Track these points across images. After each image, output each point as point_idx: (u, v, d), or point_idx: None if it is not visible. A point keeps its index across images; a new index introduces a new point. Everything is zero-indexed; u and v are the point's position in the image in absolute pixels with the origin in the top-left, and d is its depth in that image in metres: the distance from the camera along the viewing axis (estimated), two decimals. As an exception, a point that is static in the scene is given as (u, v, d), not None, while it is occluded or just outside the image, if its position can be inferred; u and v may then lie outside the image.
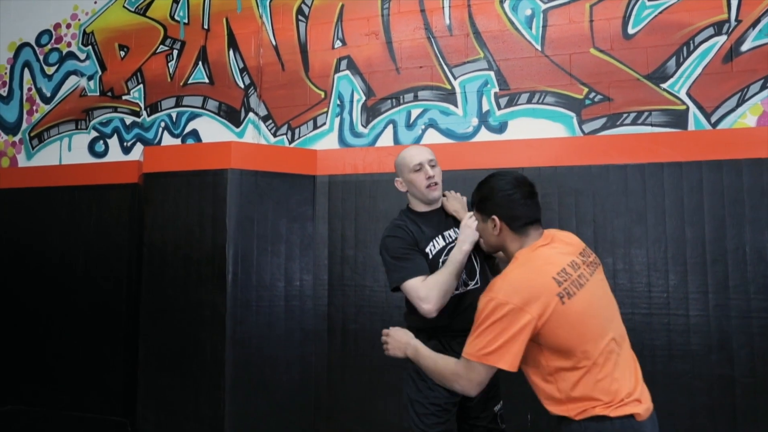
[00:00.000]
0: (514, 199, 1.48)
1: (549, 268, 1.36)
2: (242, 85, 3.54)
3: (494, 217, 1.49)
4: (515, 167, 2.97)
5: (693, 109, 2.83)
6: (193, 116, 3.64)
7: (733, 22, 2.80)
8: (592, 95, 2.96)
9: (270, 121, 3.48)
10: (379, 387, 3.09)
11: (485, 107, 3.12)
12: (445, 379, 1.43)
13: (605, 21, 2.96)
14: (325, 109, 3.39)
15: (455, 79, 3.18)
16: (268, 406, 3.07)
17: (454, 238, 1.94)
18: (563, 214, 2.89)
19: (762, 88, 2.76)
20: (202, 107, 3.62)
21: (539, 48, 3.05)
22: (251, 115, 3.50)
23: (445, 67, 3.20)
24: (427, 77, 3.23)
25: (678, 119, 2.84)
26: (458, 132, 3.16)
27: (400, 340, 1.70)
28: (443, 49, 3.20)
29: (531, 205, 1.50)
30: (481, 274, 1.97)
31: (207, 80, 3.62)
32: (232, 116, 3.55)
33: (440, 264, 1.87)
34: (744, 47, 2.79)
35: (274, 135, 3.47)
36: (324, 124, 3.39)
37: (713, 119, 2.80)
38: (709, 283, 2.68)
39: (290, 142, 3.43)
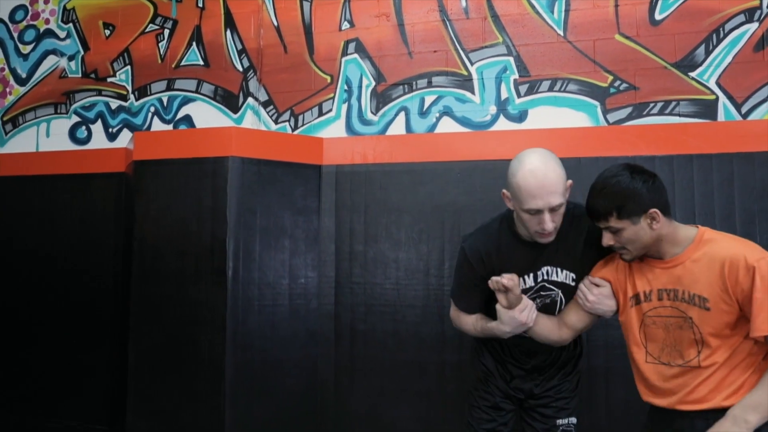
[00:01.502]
0: (657, 185, 1.41)
1: None
2: (240, 69, 3.30)
3: (653, 210, 1.38)
4: (537, 158, 2.82)
5: (723, 99, 2.72)
6: (186, 101, 3.38)
7: (765, 9, 2.70)
8: (617, 83, 2.82)
9: (271, 106, 3.26)
10: (391, 392, 2.90)
11: (504, 95, 2.96)
12: None
13: (631, 6, 2.82)
14: (332, 95, 3.17)
15: (472, 64, 3.01)
16: (271, 412, 2.85)
17: (548, 277, 1.66)
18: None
19: (793, 78, 2.67)
20: (196, 91, 3.36)
21: (561, 33, 2.90)
22: (250, 100, 3.26)
23: (461, 51, 3.02)
24: (442, 62, 3.05)
25: (707, 109, 2.73)
26: (475, 120, 2.99)
27: None
28: (459, 33, 3.03)
29: (661, 182, 1.46)
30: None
31: (201, 62, 3.36)
32: (230, 101, 3.31)
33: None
34: (775, 35, 2.69)
35: (276, 122, 3.24)
36: (330, 110, 3.18)
37: (744, 110, 2.69)
38: (741, 280, 2.58)
39: (293, 130, 3.21)
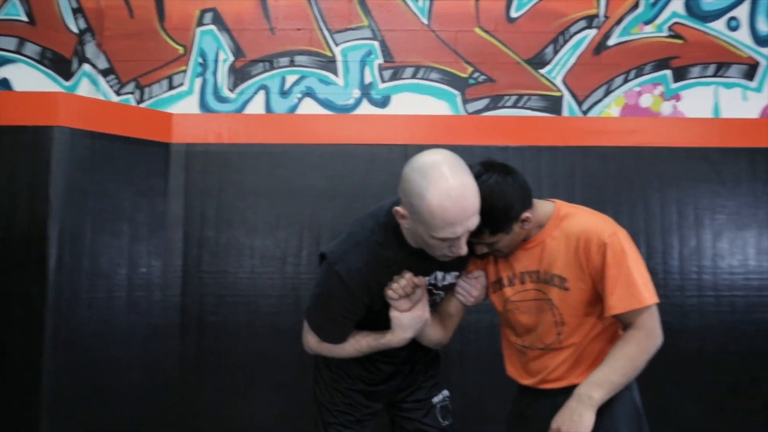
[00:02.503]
0: (520, 182, 1.33)
1: None
2: (75, 30, 2.89)
3: (526, 215, 1.32)
4: (399, 144, 2.81)
5: (567, 96, 2.91)
6: (3, 61, 2.88)
7: (602, 17, 2.93)
8: (476, 75, 2.90)
9: (112, 76, 2.89)
10: (244, 387, 2.71)
11: (368, 79, 2.91)
12: (646, 356, 1.25)
13: (490, 2, 2.92)
14: (184, 68, 2.90)
15: (336, 45, 2.92)
16: (104, 417, 2.51)
17: (437, 282, 1.51)
18: (446, 195, 2.79)
19: (624, 82, 2.93)
20: (17, 51, 2.88)
21: (426, 22, 2.92)
22: (87, 66, 2.87)
23: (325, 32, 2.92)
24: (306, 41, 2.92)
25: (554, 105, 2.90)
26: (338, 103, 2.90)
27: (572, 416, 1.26)
28: (324, 13, 2.92)
29: (520, 172, 1.42)
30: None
31: (26, 18, 2.89)
32: (60, 66, 2.88)
33: None
34: (610, 42, 2.94)
35: (118, 93, 2.89)
36: (182, 84, 2.90)
37: (584, 107, 2.91)
38: (579, 265, 2.77)
39: (138, 103, 2.88)
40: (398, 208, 1.31)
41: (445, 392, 1.77)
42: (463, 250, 1.25)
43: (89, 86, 2.86)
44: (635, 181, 2.83)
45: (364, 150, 2.81)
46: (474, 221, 1.22)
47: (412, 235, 1.36)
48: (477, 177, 1.28)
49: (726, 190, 2.84)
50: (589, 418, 1.18)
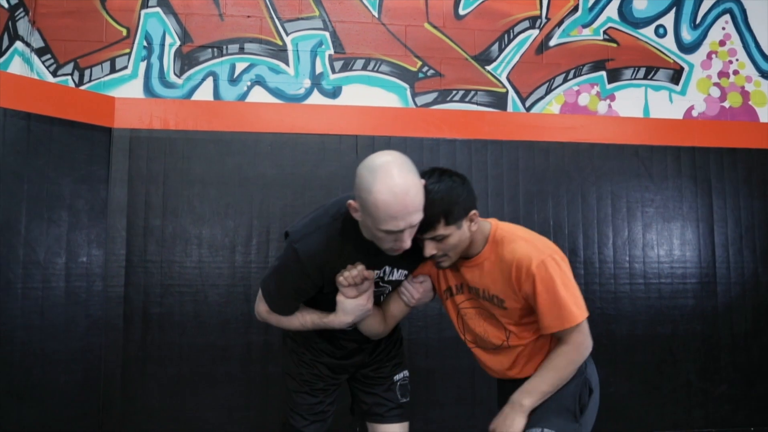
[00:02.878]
0: (469, 186, 1.39)
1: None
2: (6, 5, 2.72)
3: (473, 212, 1.36)
4: (349, 134, 2.84)
5: (511, 92, 3.03)
6: (-76, 36, 2.68)
7: (544, 19, 3.08)
8: (425, 69, 2.97)
9: (48, 56, 2.75)
10: (190, 380, 2.64)
11: (319, 69, 2.91)
12: (574, 366, 1.31)
13: (439, -2, 3.00)
14: (128, 50, 2.80)
15: (287, 35, 2.90)
16: (38, 415, 2.39)
17: (385, 276, 1.57)
18: (396, 185, 2.83)
19: (564, 81, 3.09)
20: (-59, 26, 2.69)
21: (376, 15, 2.96)
22: (19, 44, 2.71)
23: (276, 20, 2.90)
24: (256, 29, 2.89)
25: (499, 101, 3.02)
26: (288, 93, 2.89)
27: (506, 421, 1.35)
28: (275, 1, 2.90)
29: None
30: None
31: (-50, -9, 2.70)
32: (-10, 44, 2.71)
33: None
34: (552, 42, 3.09)
35: (54, 74, 2.74)
36: (125, 67, 2.79)
37: (527, 104, 3.04)
38: (522, 254, 2.89)
39: (78, 86, 2.75)
40: (351, 201, 1.37)
41: (406, 372, 1.85)
42: (406, 243, 1.33)
43: (22, 65, 2.70)
44: (574, 175, 2.99)
45: (314, 140, 2.81)
46: (416, 217, 1.29)
47: (364, 228, 1.43)
48: (431, 176, 1.39)
49: (654, 185, 3.06)
50: (519, 423, 1.30)
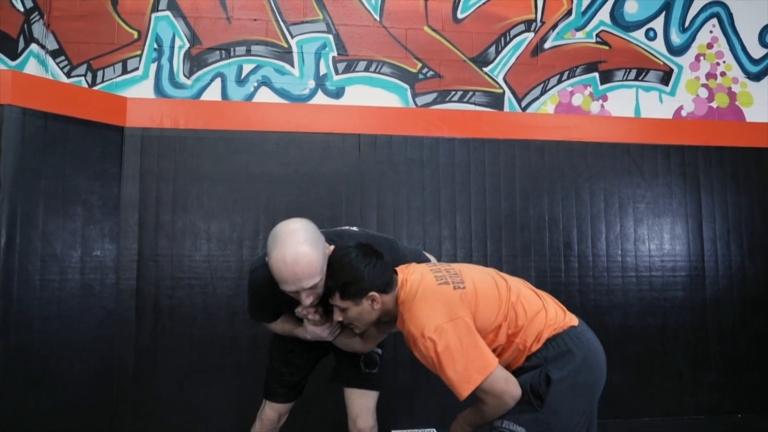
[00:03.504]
0: (379, 268, 1.39)
1: (428, 281, 1.36)
2: (21, 9, 2.82)
3: (372, 293, 1.38)
4: (352, 133, 2.95)
5: (508, 93, 3.15)
6: (-56, 39, 2.78)
7: (539, 22, 3.20)
8: (425, 70, 3.08)
9: (62, 57, 2.85)
10: (200, 370, 2.74)
11: (323, 70, 3.02)
12: (495, 416, 1.31)
13: (438, 2, 3.12)
14: (139, 52, 2.90)
15: (292, 38, 3.01)
16: (54, 403, 2.48)
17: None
18: (396, 182, 2.95)
19: (558, 82, 3.21)
20: (-40, 29, 2.79)
21: (378, 18, 3.07)
22: (34, 47, 2.81)
23: (282, 23, 3.01)
24: (262, 32, 3.00)
25: (496, 101, 3.13)
26: (294, 93, 3.00)
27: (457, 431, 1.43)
28: (280, 5, 3.01)
29: (386, 261, 1.44)
30: None
31: (-32, -5, 2.80)
32: (6, 45, 2.80)
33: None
34: (546, 45, 3.21)
35: (68, 75, 2.85)
36: (136, 69, 2.90)
37: (523, 104, 3.16)
38: (518, 247, 3.01)
39: (90, 86, 2.85)
40: (268, 259, 1.48)
41: (378, 350, 1.92)
42: (306, 302, 1.46)
43: (37, 67, 2.81)
44: (568, 172, 3.11)
45: (319, 138, 2.92)
46: (306, 283, 1.39)
47: None
48: (342, 250, 1.44)
49: (645, 181, 3.18)
50: None
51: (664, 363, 3.09)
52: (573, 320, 1.37)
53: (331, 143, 2.93)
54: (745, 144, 3.27)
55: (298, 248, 1.38)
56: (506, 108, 3.13)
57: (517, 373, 1.32)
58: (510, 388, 1.26)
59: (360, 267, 1.38)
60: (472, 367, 1.23)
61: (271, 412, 1.92)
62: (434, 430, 2.84)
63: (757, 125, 3.31)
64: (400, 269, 1.47)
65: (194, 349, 2.75)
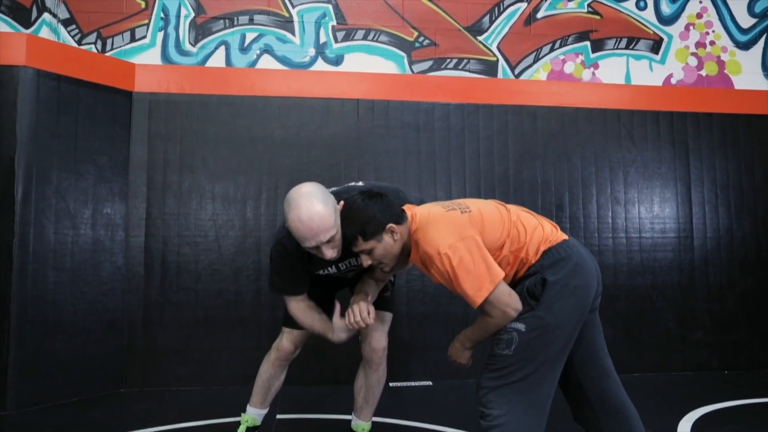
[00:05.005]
0: (385, 202, 1.52)
1: (436, 209, 1.49)
2: (35, -20, 2.96)
3: (390, 225, 1.49)
4: (351, 98, 3.06)
5: (501, 61, 3.26)
6: (-39, 8, 2.91)
7: (532, -8, 3.30)
8: (421, 39, 3.20)
9: (73, 26, 2.98)
10: (206, 323, 2.88)
11: (323, 39, 3.14)
12: (497, 328, 1.41)
13: (433, -27, 3.23)
14: (146, 21, 3.03)
15: (293, 7, 3.13)
16: (69, 350, 2.62)
17: (350, 265, 1.81)
18: (392, 145, 3.06)
19: (551, 50, 3.31)
20: (-24, -1, 2.92)
21: (375, -12, 3.19)
22: (47, 15, 2.94)
23: (283, -7, 3.13)
24: (264, 2, 3.12)
25: (490, 68, 3.24)
26: (295, 60, 3.12)
27: (457, 352, 1.55)
28: (281, -24, 3.13)
29: (390, 198, 1.56)
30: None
31: (-16, -34, 2.93)
32: (20, 14, 2.94)
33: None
34: (539, 15, 3.32)
35: (79, 43, 2.98)
36: (144, 37, 3.03)
37: (516, 71, 3.26)
38: (512, 209, 3.12)
39: (101, 53, 2.98)
40: (287, 224, 1.61)
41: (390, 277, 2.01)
42: (327, 254, 1.60)
43: (50, 35, 2.94)
44: (559, 138, 3.22)
45: (319, 103, 3.04)
46: (324, 236, 1.55)
47: None
48: (349, 200, 1.57)
49: (635, 146, 3.28)
50: (467, 355, 1.52)
51: (653, 321, 3.19)
52: (565, 236, 1.49)
53: (330, 108, 3.05)
54: (734, 111, 3.37)
55: (312, 207, 1.54)
56: (500, 75, 3.24)
57: (519, 282, 1.44)
58: (513, 300, 1.39)
59: (369, 207, 1.51)
60: (483, 278, 1.36)
61: (287, 343, 1.94)
62: (430, 382, 2.96)
63: (746, 92, 3.41)
64: (406, 207, 1.59)
65: (200, 303, 2.88)
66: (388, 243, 1.51)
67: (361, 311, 1.70)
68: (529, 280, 1.40)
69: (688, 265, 3.25)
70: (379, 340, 1.90)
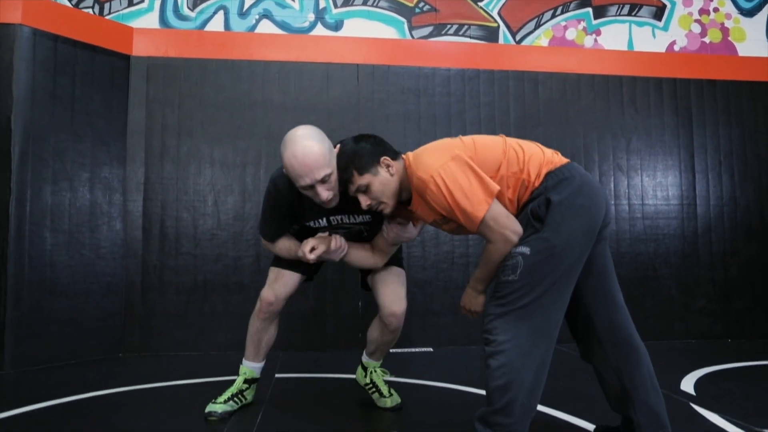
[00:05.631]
0: (378, 140, 1.52)
1: (427, 145, 1.48)
2: (32, -56, 2.93)
3: (383, 158, 1.47)
4: (351, 63, 3.03)
5: (502, 27, 3.22)
6: (-42, -29, 2.89)
7: (534, -42, 3.27)
8: (421, 4, 3.17)
9: (71, -10, 2.96)
10: (205, 288, 2.86)
11: (322, 4, 3.11)
12: (501, 256, 1.38)
13: (434, -62, 3.20)
14: (144, -15, 3.01)
15: (292, -28, 3.11)
16: (66, 313, 2.61)
17: (341, 222, 1.79)
18: (393, 110, 3.04)
19: (552, 17, 3.28)
20: (-27, -38, 2.90)
21: (375, -47, 3.16)
22: (44, -20, 2.92)
23: (282, -42, 3.10)
24: (263, -34, 3.09)
25: (491, 34, 3.21)
26: (294, 26, 3.09)
27: (470, 299, 1.52)
28: (280, -60, 3.10)
29: (381, 138, 1.57)
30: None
31: (-19, -71, 2.91)
32: (17, -21, 2.92)
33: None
34: (540, -19, 3.28)
35: (76, 7, 2.96)
36: (142, 1, 3.00)
37: (518, 38, 3.23)
38: (513, 176, 3.09)
39: (98, 17, 2.96)
40: (283, 163, 1.60)
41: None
42: (323, 196, 1.57)
43: (47, -1, 2.91)
44: (561, 104, 3.19)
45: (318, 68, 3.02)
46: (319, 173, 1.52)
47: None
48: (343, 142, 1.57)
49: (638, 114, 3.25)
50: (481, 300, 1.49)
51: (655, 289, 3.17)
52: (567, 159, 1.44)
53: (330, 73, 3.02)
54: (738, 78, 3.33)
55: (306, 143, 1.53)
56: (500, 41, 3.21)
57: (523, 208, 1.40)
58: (511, 222, 1.36)
59: (361, 144, 1.51)
60: (478, 193, 1.33)
61: (267, 292, 1.88)
62: (431, 349, 2.94)
63: (750, 59, 3.37)
64: (404, 155, 1.57)
65: (199, 268, 2.86)
66: (384, 177, 1.48)
67: (336, 239, 1.72)
68: (533, 203, 1.37)
69: (692, 233, 3.22)
70: (399, 305, 1.84)
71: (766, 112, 3.34)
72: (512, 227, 1.36)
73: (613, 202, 3.18)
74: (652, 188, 3.22)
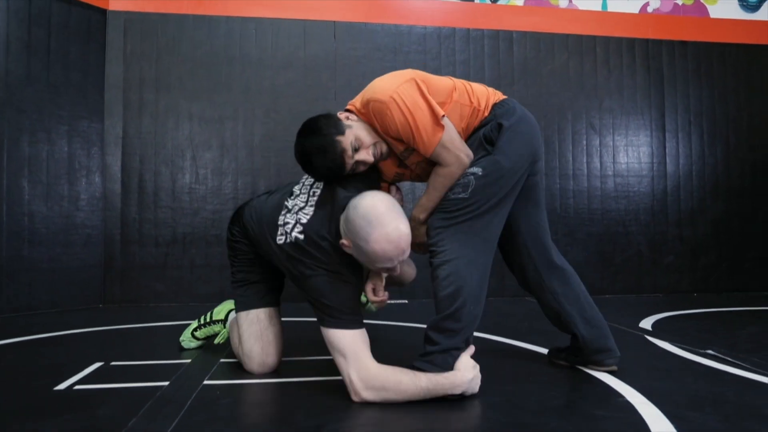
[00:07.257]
0: (327, 116, 1.48)
1: None
2: None
3: (336, 117, 1.46)
4: (329, 20, 3.06)
5: (479, -14, 3.26)
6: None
7: None
8: (398, -38, 3.19)
9: (46, -57, 2.94)
10: (184, 241, 2.91)
11: (299, -39, 3.13)
12: (453, 180, 1.42)
13: None
14: (120, -61, 3.00)
15: (269, -72, 3.11)
16: (45, 262, 2.65)
17: None
18: (369, 67, 3.07)
19: (529, -22, 3.32)
20: None
21: None
22: (19, -67, 2.90)
23: None
24: None
25: (467, -7, 3.25)
26: (271, -17, 3.11)
27: (414, 233, 1.49)
28: None
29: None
30: None
31: None
32: (-8, -68, 2.90)
33: None
34: (517, -59, 3.31)
35: (52, -39, 2.95)
36: (118, -45, 3.00)
37: (495, -3, 3.27)
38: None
39: (74, -29, 2.96)
40: (344, 241, 1.37)
41: None
42: (397, 270, 1.41)
43: (22, -47, 2.90)
44: (535, 63, 3.24)
45: (296, 24, 3.04)
46: (406, 254, 1.33)
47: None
48: (299, 149, 1.46)
49: (610, 74, 3.31)
50: (424, 231, 1.51)
51: (625, 245, 3.26)
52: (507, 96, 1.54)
53: (307, 29, 3.05)
54: (709, 39, 3.40)
55: (399, 222, 1.30)
56: (476, 0, 3.24)
57: (473, 133, 1.47)
58: (465, 146, 1.43)
59: (319, 126, 1.44)
60: (436, 114, 1.37)
61: (256, 363, 1.59)
62: (406, 301, 3.02)
63: (721, 21, 3.43)
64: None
65: (177, 222, 2.91)
66: (356, 124, 1.46)
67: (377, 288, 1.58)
68: (485, 128, 1.44)
69: (661, 191, 3.31)
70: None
71: (737, 73, 3.41)
72: (465, 150, 1.43)
73: (585, 160, 3.25)
74: (623, 147, 3.30)
